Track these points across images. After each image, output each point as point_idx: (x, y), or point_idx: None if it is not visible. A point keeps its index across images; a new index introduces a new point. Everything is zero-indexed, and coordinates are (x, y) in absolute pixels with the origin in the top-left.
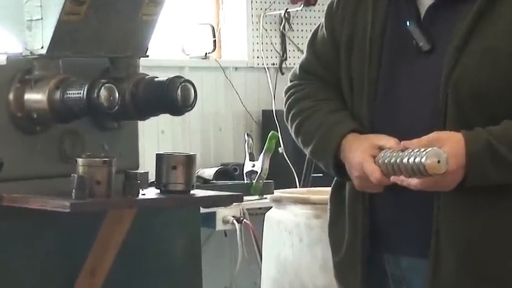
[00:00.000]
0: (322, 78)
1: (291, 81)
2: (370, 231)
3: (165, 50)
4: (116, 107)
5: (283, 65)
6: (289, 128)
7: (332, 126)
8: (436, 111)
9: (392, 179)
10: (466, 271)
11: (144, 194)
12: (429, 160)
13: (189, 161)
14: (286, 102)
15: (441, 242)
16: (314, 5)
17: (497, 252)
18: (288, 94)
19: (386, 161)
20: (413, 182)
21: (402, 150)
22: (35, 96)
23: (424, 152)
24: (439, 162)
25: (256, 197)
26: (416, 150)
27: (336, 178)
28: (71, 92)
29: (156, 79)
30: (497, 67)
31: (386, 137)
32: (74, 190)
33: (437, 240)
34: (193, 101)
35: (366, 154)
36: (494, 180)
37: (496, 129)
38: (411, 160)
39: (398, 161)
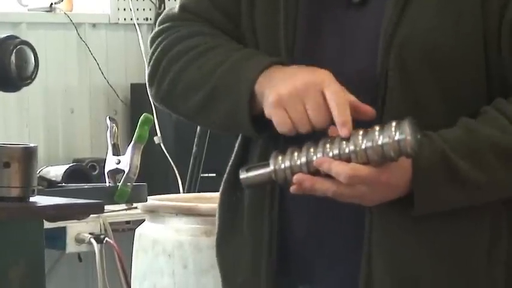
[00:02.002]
0: (217, 25)
1: (160, 25)
2: (279, 252)
3: None
4: None
5: None
6: (159, 85)
7: (248, 58)
8: (372, 82)
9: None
10: None
11: None
12: (410, 136)
13: (27, 155)
14: (153, 54)
15: (374, 267)
16: None
17: (444, 282)
18: (157, 42)
19: (301, 159)
20: (340, 167)
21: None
22: None
23: (394, 129)
24: (418, 137)
25: (123, 206)
26: (361, 135)
27: (227, 172)
28: None
29: None
30: (460, 23)
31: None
32: None
33: (369, 265)
34: (33, 71)
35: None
36: (447, 203)
37: (455, 136)
38: (369, 143)
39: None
